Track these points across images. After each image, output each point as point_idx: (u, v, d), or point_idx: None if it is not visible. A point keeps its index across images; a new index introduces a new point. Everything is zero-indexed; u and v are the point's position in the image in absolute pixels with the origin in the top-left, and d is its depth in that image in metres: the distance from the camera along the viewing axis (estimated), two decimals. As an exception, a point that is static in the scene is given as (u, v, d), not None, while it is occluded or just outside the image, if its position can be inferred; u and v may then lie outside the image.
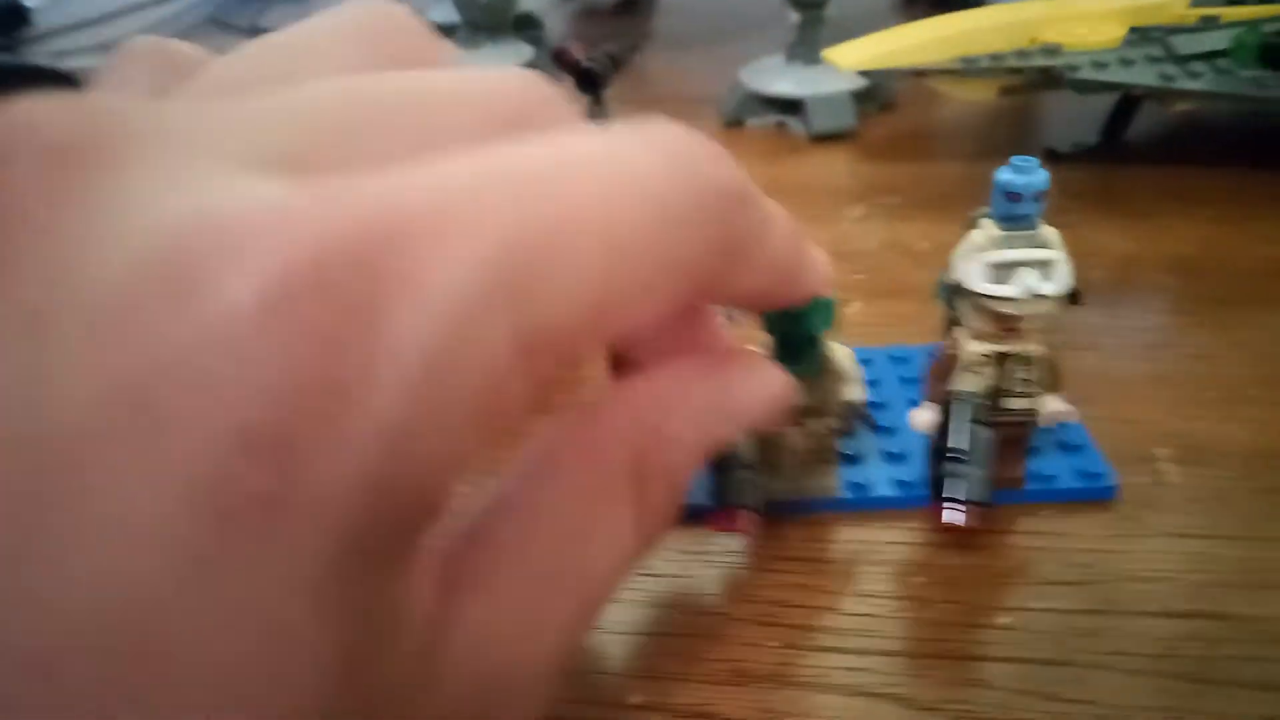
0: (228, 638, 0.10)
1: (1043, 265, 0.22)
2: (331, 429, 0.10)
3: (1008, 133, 0.49)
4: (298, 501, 0.10)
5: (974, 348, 0.23)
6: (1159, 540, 0.23)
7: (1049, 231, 0.27)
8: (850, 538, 0.24)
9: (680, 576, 0.23)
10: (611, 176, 0.13)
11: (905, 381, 0.29)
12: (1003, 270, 0.22)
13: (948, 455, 0.23)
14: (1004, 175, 0.25)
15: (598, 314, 0.13)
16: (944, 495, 0.22)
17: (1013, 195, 0.24)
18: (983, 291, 0.22)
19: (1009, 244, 0.23)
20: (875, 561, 0.23)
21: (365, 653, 0.11)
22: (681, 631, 0.22)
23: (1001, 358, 0.23)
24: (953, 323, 0.25)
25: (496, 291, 0.11)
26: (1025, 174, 0.25)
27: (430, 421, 0.11)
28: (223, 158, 0.11)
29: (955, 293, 0.24)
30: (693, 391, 0.18)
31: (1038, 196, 0.25)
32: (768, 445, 0.24)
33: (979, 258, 0.22)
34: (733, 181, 0.15)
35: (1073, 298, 0.27)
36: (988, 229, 0.27)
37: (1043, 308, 0.22)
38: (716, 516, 0.23)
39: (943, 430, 0.23)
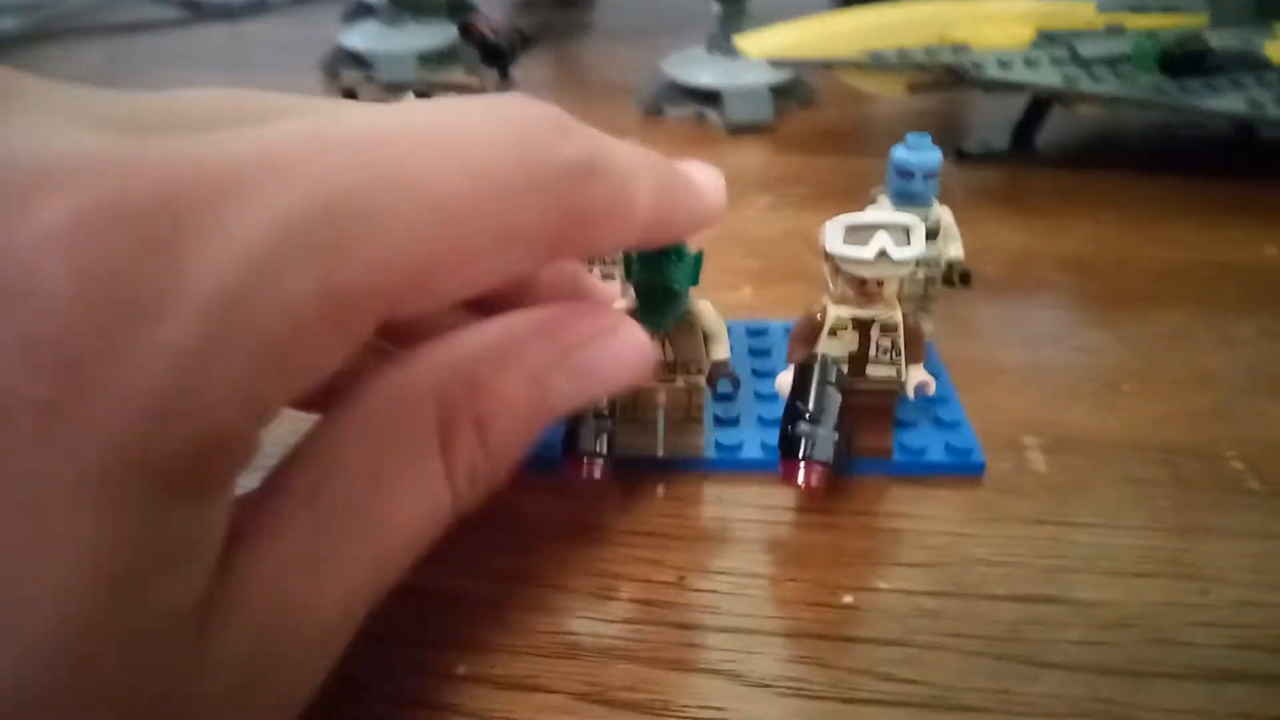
0: (1, 527, 0.10)
1: (900, 229, 0.22)
2: (119, 346, 0.10)
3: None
4: (78, 410, 0.10)
5: (836, 312, 0.23)
6: (1014, 526, 0.23)
7: (941, 209, 0.27)
8: (703, 514, 0.23)
9: (521, 548, 0.22)
10: (445, 145, 0.14)
11: (756, 353, 0.29)
12: (861, 233, 0.22)
13: (802, 415, 0.22)
14: (899, 153, 0.25)
15: (417, 276, 0.13)
16: (795, 454, 0.22)
17: (906, 173, 0.24)
18: (838, 253, 0.22)
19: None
20: (724, 538, 0.23)
21: (136, 577, 0.11)
22: (514, 604, 0.21)
23: (862, 323, 0.23)
24: None
25: (302, 240, 0.12)
26: (919, 152, 0.25)
27: (220, 352, 0.11)
28: (69, 119, 0.12)
29: (822, 258, 0.23)
30: (529, 347, 0.17)
31: (930, 174, 0.25)
32: (634, 400, 0.23)
33: (840, 220, 0.22)
34: (578, 154, 0.15)
35: (963, 278, 0.27)
36: (883, 205, 0.27)
37: (897, 271, 0.22)
38: (565, 464, 0.22)
39: (794, 392, 0.22)
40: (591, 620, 0.20)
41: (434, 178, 0.13)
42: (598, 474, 0.22)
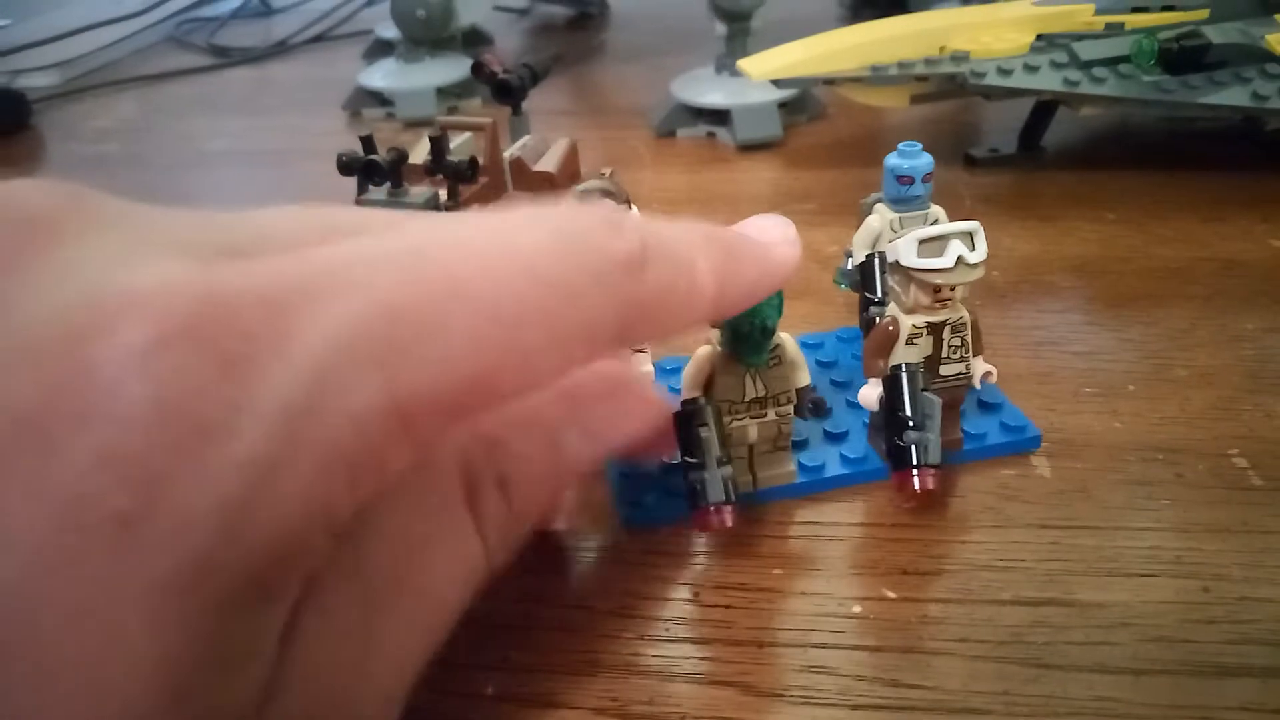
0: (70, 637, 0.11)
1: (966, 235, 0.23)
2: (191, 462, 0.11)
3: (930, 141, 0.49)
4: (153, 522, 0.11)
5: (911, 320, 0.24)
6: (1019, 531, 0.24)
7: (937, 210, 0.28)
8: (718, 533, 0.24)
9: (544, 570, 0.23)
10: (496, 252, 0.14)
11: (823, 365, 0.30)
12: (933, 244, 0.23)
13: (907, 425, 0.23)
14: (892, 160, 0.26)
15: (479, 380, 0.14)
16: (911, 463, 0.23)
17: (904, 178, 0.25)
18: (920, 266, 0.23)
19: (904, 225, 0.24)
20: (738, 554, 0.24)
21: (199, 681, 0.12)
22: (539, 624, 0.22)
23: (935, 327, 0.24)
24: (867, 305, 0.26)
25: (364, 353, 0.12)
26: (912, 158, 0.26)
27: (288, 465, 0.12)
28: (146, 243, 0.13)
29: (891, 271, 0.25)
30: (543, 409, 0.18)
31: (925, 178, 0.26)
32: (729, 439, 0.24)
33: (910, 235, 0.23)
34: (628, 246, 0.16)
35: None
36: (883, 212, 0.28)
37: (973, 275, 0.23)
38: (697, 516, 0.22)
39: (889, 403, 0.24)
40: (610, 638, 0.21)
41: (488, 283, 0.14)
42: (729, 521, 0.22)
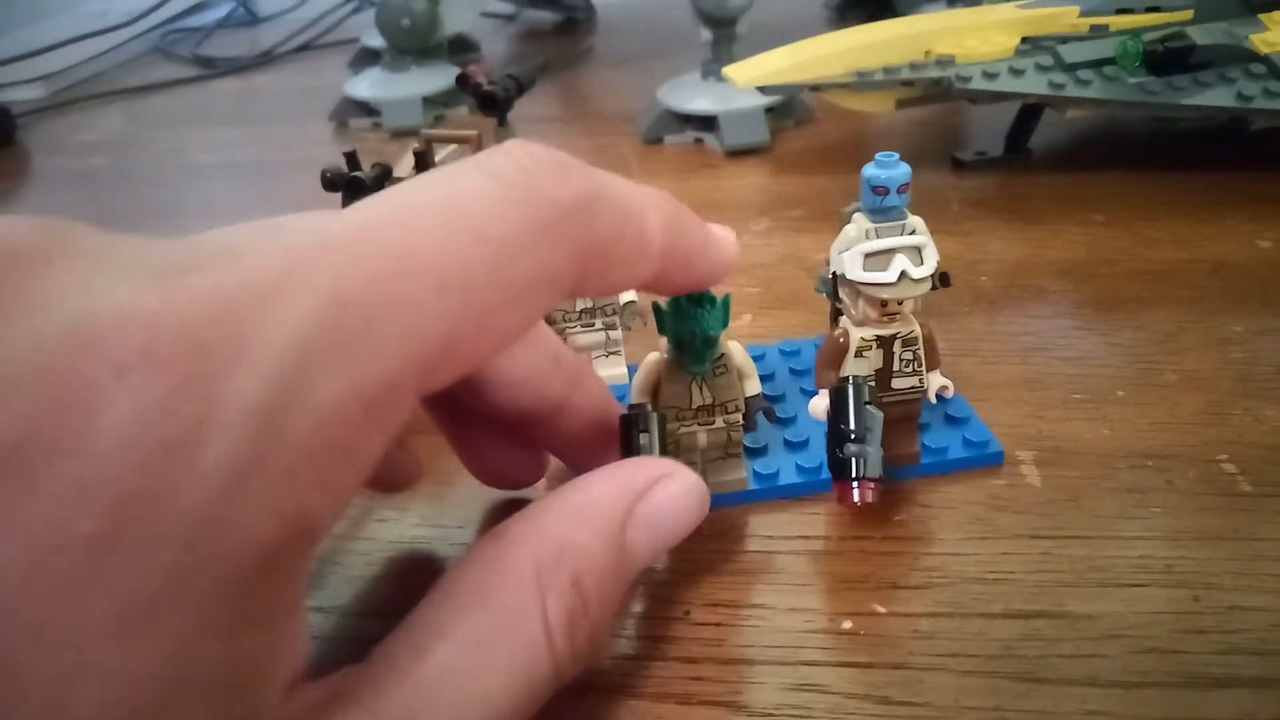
0: (39, 658, 0.11)
1: (914, 250, 0.23)
2: (161, 479, 0.11)
3: (917, 145, 0.49)
4: (121, 544, 0.11)
5: (859, 334, 0.24)
6: (1008, 542, 0.24)
7: (915, 220, 0.28)
8: (708, 548, 0.24)
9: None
10: (442, 219, 0.14)
11: (796, 373, 0.30)
12: (878, 258, 0.23)
13: (848, 437, 0.23)
14: (868, 170, 0.26)
15: (440, 351, 0.14)
16: (847, 475, 0.23)
17: (879, 189, 0.25)
18: (863, 280, 0.23)
19: (880, 234, 0.24)
20: (729, 572, 0.24)
21: (180, 702, 0.12)
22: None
23: (885, 341, 0.24)
24: (837, 314, 0.26)
25: (320, 346, 0.12)
26: (888, 168, 0.25)
27: (256, 470, 0.12)
28: (114, 271, 0.13)
29: (839, 284, 0.25)
30: (603, 507, 0.18)
31: (902, 188, 0.26)
32: (676, 447, 0.24)
33: (856, 249, 0.23)
34: (576, 192, 0.16)
35: (942, 280, 0.28)
36: (860, 222, 0.28)
37: (918, 290, 0.24)
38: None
39: (833, 415, 0.24)
40: (603, 658, 0.21)
41: (437, 252, 0.14)
42: None
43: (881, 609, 0.22)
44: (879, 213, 0.25)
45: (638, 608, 0.23)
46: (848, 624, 0.22)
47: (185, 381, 0.12)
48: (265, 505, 0.12)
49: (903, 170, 0.25)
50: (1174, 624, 0.21)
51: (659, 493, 0.19)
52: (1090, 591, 0.22)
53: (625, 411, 0.23)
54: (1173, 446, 0.26)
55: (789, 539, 0.24)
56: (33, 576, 0.11)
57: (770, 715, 0.20)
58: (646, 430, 0.22)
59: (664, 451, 0.23)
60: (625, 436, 0.23)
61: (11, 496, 0.11)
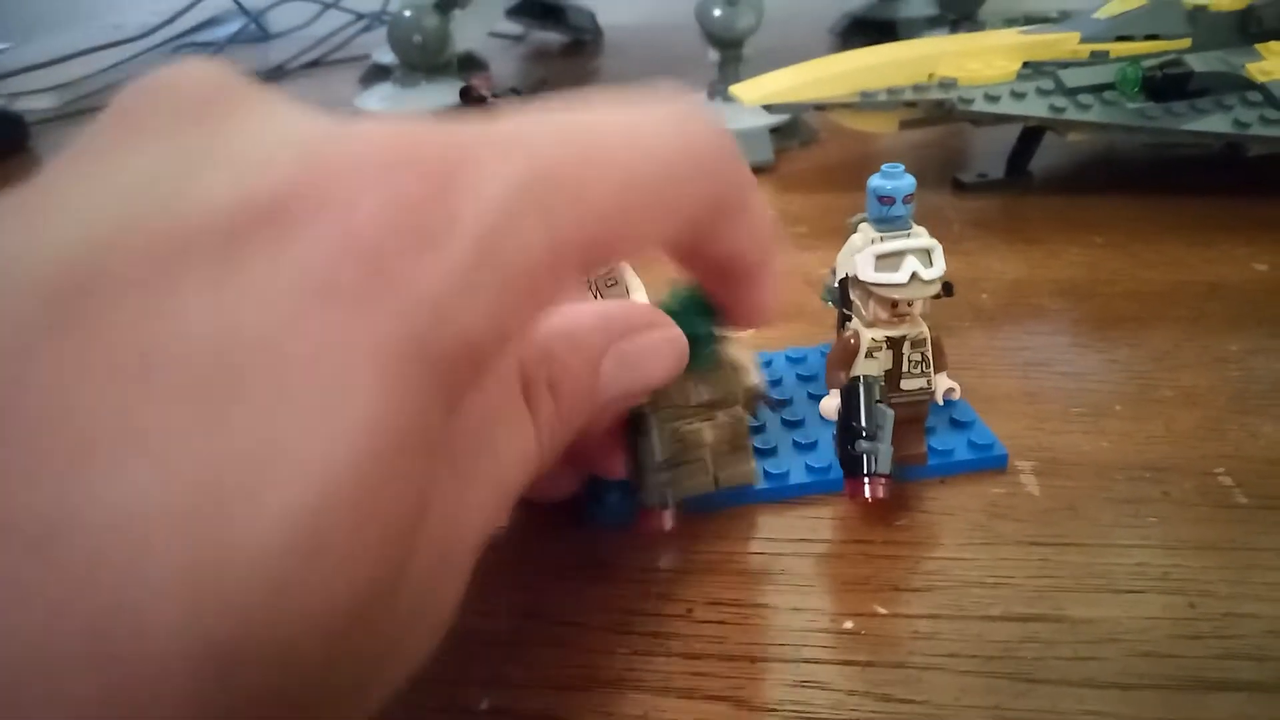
0: (310, 369, 0.12)
1: (924, 252, 0.24)
2: (413, 259, 0.13)
3: (919, 166, 0.50)
4: (382, 300, 0.12)
5: (870, 334, 0.25)
6: (1008, 548, 0.24)
7: (920, 230, 0.29)
8: (712, 548, 0.25)
9: (538, 587, 0.24)
10: (630, 135, 0.17)
11: (803, 379, 0.31)
12: (889, 259, 0.24)
13: (859, 435, 0.24)
14: (875, 181, 0.27)
15: (611, 234, 0.16)
16: (859, 472, 0.24)
17: (885, 199, 0.26)
18: (875, 281, 0.24)
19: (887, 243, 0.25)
20: (732, 571, 0.24)
21: (402, 452, 0.13)
22: (533, 640, 0.22)
23: (895, 342, 0.25)
24: (844, 321, 0.27)
25: (532, 198, 0.14)
26: (894, 179, 0.26)
27: (482, 277, 0.14)
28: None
29: (850, 286, 0.26)
30: (588, 334, 0.21)
31: (907, 198, 0.26)
32: (683, 445, 0.24)
33: (868, 251, 0.24)
34: (724, 147, 0.18)
35: (945, 289, 0.29)
36: (866, 232, 0.29)
37: (928, 291, 0.24)
38: (641, 519, 0.24)
39: (844, 413, 0.24)
40: (604, 653, 0.22)
41: (623, 158, 0.16)
42: (667, 525, 0.23)
43: (882, 610, 0.22)
44: (884, 222, 0.26)
45: (640, 604, 0.23)
46: (849, 624, 0.22)
47: (437, 190, 0.13)
48: (484, 306, 0.13)
49: (908, 181, 0.26)
50: (1171, 629, 0.21)
51: (640, 338, 0.21)
52: (1088, 597, 0.22)
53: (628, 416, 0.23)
54: (1170, 459, 0.27)
55: (791, 541, 0.25)
56: (302, 308, 0.12)
57: (772, 710, 0.20)
58: (644, 432, 0.23)
59: (667, 452, 0.23)
60: (630, 439, 0.23)
61: (277, 242, 0.12)
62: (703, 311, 0.23)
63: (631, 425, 0.23)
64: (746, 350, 0.25)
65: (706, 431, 0.25)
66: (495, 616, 0.23)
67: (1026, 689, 0.20)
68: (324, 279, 0.12)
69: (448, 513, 0.15)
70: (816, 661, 0.21)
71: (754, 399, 0.25)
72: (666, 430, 0.23)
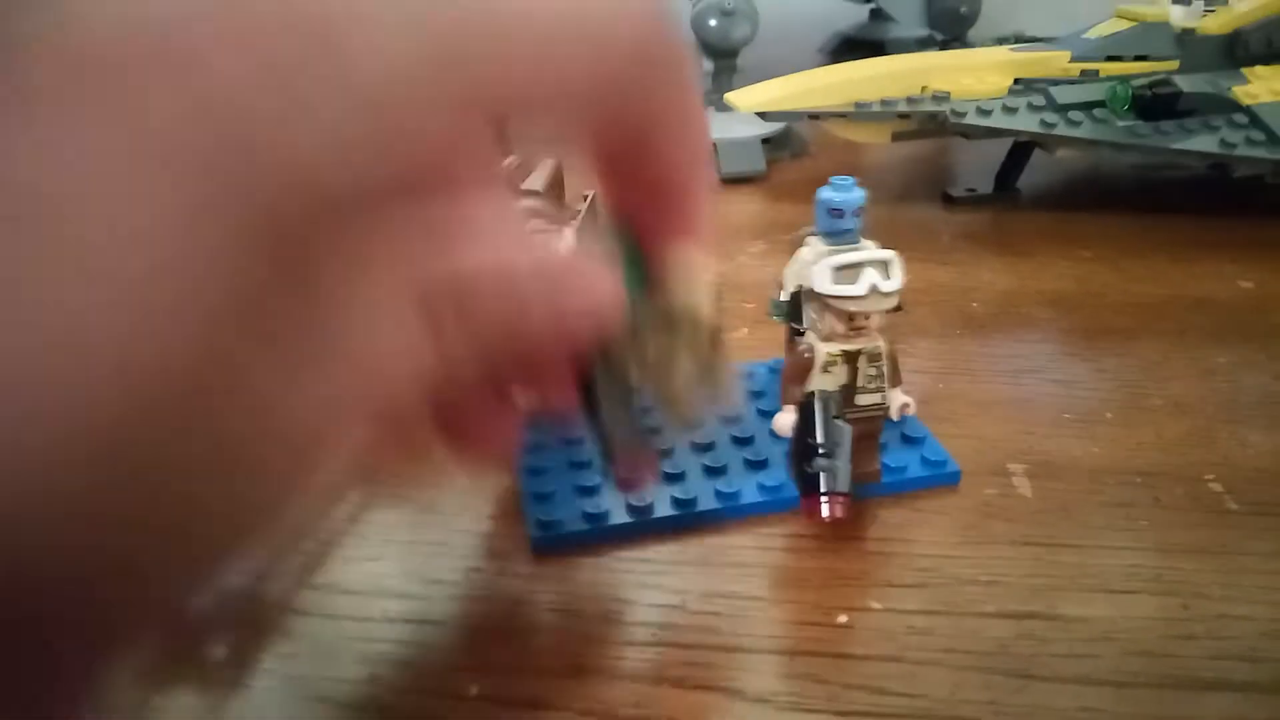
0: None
1: (881, 264, 0.23)
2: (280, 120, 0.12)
3: (910, 179, 0.51)
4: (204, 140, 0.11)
5: (826, 349, 0.24)
6: (1002, 547, 0.24)
7: (869, 243, 0.28)
8: (705, 541, 0.24)
9: (531, 576, 0.23)
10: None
11: (753, 394, 0.30)
12: (847, 271, 0.23)
13: (816, 452, 0.23)
14: (824, 193, 0.26)
15: (513, 73, 0.15)
16: (817, 490, 0.23)
17: (835, 211, 0.25)
18: (832, 293, 0.23)
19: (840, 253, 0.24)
20: (725, 563, 0.24)
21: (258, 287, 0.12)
22: (523, 628, 0.22)
23: (851, 356, 0.24)
24: (794, 336, 0.26)
25: (415, 33, 0.13)
26: (844, 191, 0.26)
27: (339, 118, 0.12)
28: None
29: (805, 299, 0.25)
30: (513, 265, 0.18)
31: (857, 212, 0.26)
32: (657, 376, 0.23)
33: (825, 263, 0.23)
34: (649, 21, 0.17)
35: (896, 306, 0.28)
36: (814, 245, 0.28)
37: (887, 303, 0.24)
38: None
39: (801, 429, 0.24)
40: (597, 642, 0.21)
41: (541, 12, 0.15)
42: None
43: (877, 605, 0.22)
44: (834, 235, 0.25)
45: (630, 595, 0.23)
46: (843, 618, 0.22)
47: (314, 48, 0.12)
48: (337, 148, 0.12)
49: (858, 194, 0.25)
50: (1164, 629, 0.21)
51: (570, 277, 0.18)
52: (1082, 596, 0.22)
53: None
54: (1160, 465, 0.27)
55: (784, 536, 0.24)
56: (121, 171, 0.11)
57: (765, 701, 0.20)
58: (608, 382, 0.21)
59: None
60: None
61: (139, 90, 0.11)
62: (630, 247, 0.22)
63: (587, 392, 0.22)
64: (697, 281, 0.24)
65: (677, 361, 0.23)
66: (485, 603, 0.22)
67: (1022, 685, 0.20)
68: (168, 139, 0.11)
69: (272, 386, 0.14)
70: (812, 654, 0.21)
71: (714, 337, 0.24)
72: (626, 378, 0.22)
